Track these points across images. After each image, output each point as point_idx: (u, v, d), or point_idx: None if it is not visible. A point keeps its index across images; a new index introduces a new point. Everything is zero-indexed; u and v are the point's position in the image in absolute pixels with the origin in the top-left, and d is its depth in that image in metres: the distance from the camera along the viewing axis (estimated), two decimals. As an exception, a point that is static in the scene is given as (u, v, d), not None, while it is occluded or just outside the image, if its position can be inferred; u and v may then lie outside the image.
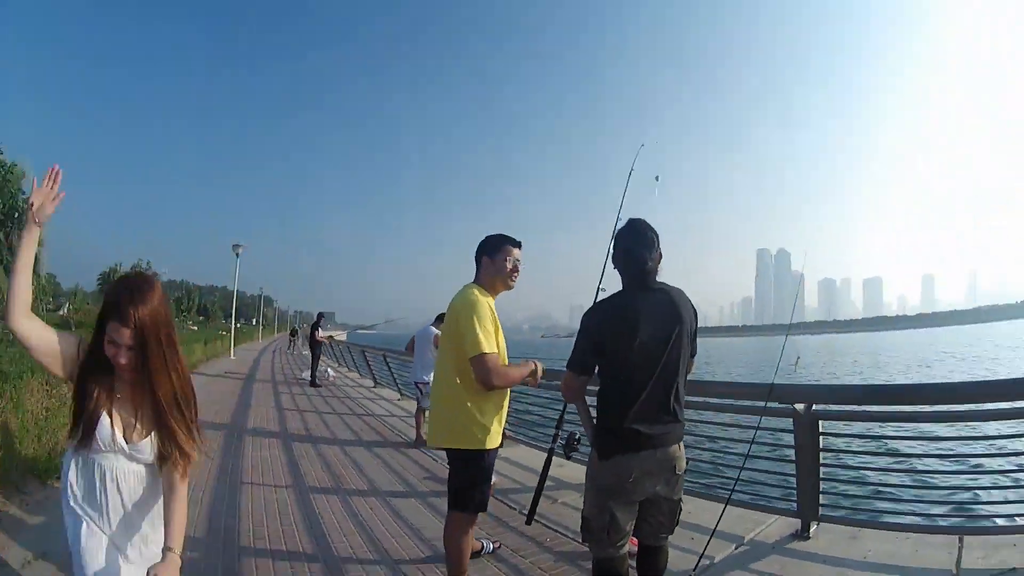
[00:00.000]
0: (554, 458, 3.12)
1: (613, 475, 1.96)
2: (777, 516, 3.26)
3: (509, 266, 2.56)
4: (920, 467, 3.49)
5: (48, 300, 27.71)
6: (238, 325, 29.67)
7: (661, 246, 2.06)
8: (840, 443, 3.26)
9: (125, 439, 1.53)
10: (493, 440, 2.44)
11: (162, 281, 1.53)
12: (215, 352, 22.07)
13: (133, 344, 1.47)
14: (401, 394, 9.90)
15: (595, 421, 2.10)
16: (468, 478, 2.43)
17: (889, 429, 3.49)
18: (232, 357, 21.53)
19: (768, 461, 4.34)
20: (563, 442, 2.46)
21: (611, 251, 2.16)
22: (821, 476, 3.06)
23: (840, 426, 3.22)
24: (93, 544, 1.51)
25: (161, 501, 1.61)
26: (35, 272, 1.52)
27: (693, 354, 2.11)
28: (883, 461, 4.51)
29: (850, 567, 2.65)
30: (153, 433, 1.56)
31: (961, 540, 2.69)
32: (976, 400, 2.95)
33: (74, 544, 1.51)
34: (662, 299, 2.01)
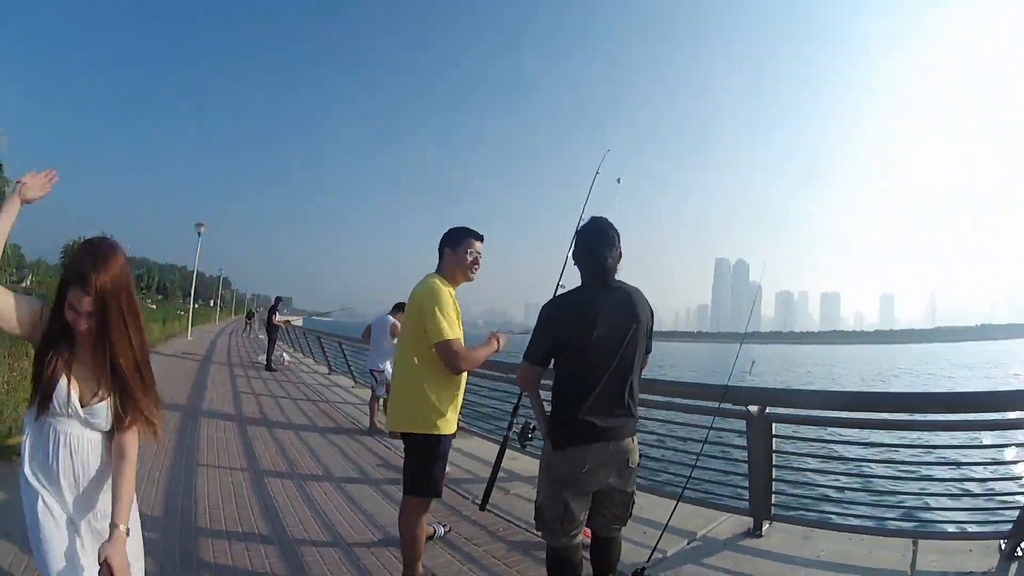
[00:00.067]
0: (507, 451, 3.11)
1: (567, 466, 1.98)
2: (729, 514, 3.30)
3: (470, 258, 2.60)
4: (872, 472, 3.58)
5: (11, 271, 26.64)
6: (196, 306, 28.86)
7: (622, 245, 2.09)
8: (792, 446, 3.29)
9: (80, 403, 1.52)
10: (449, 426, 2.48)
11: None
12: (172, 332, 21.69)
13: (93, 311, 1.47)
14: (356, 381, 9.80)
15: (550, 413, 2.11)
16: (424, 462, 2.45)
17: (841, 434, 3.58)
18: (189, 338, 21.18)
19: (721, 461, 4.40)
20: (518, 431, 2.46)
21: (572, 247, 2.19)
22: (774, 477, 3.10)
23: (793, 430, 3.26)
24: (50, 522, 1.49)
25: None
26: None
27: (648, 351, 2.15)
28: (835, 465, 4.62)
29: (803, 565, 2.68)
30: (109, 398, 1.55)
31: (915, 543, 2.75)
32: (927, 411, 3.04)
33: (31, 523, 1.50)
34: (620, 297, 2.05)
